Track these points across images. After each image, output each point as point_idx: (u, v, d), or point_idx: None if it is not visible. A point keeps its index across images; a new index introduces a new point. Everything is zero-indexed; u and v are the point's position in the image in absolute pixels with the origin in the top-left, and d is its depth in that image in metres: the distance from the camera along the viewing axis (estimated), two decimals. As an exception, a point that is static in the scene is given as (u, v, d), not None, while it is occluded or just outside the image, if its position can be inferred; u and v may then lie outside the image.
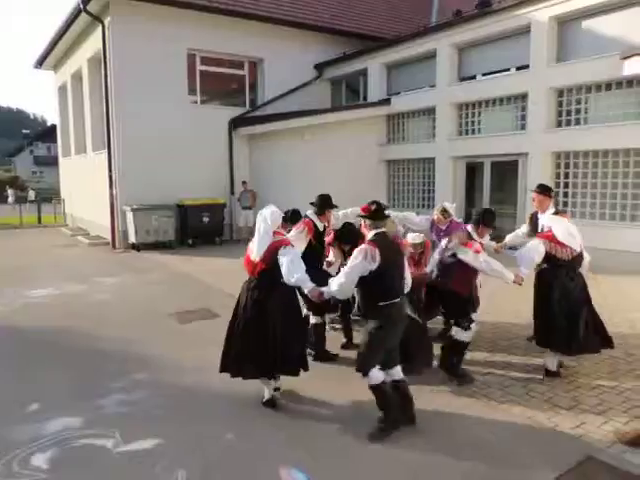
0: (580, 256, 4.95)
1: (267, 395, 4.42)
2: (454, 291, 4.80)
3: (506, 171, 11.95)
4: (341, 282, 3.92)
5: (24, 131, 61.08)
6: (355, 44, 15.65)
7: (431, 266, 5.23)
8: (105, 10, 12.62)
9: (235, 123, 14.34)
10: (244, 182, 14.10)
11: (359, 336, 4.65)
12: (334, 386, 4.72)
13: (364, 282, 3.89)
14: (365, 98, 15.54)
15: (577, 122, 10.50)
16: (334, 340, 5.77)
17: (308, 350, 5.50)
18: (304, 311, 5.45)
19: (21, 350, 5.93)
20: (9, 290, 8.72)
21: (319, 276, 4.50)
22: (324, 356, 5.39)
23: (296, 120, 13.81)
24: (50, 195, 26.59)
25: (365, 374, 3.89)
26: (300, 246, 5.13)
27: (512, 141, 11.47)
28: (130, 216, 12.65)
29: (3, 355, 5.79)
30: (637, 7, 9.37)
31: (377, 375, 3.91)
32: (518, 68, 11.50)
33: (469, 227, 4.96)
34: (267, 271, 4.21)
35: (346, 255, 5.26)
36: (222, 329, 4.54)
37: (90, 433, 3.96)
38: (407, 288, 4.14)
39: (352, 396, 4.45)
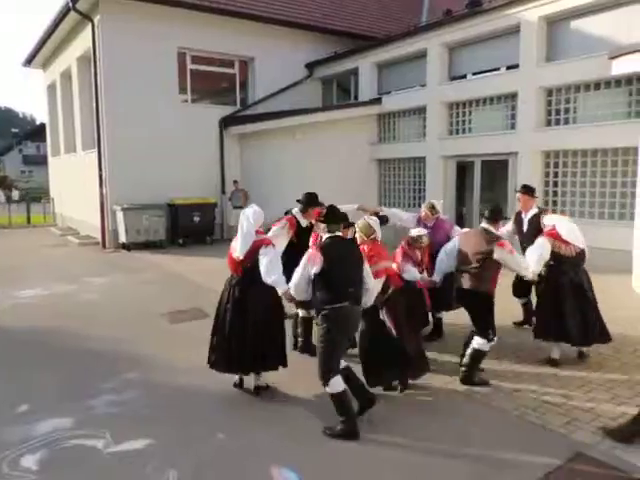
0: (583, 253, 5.08)
1: (253, 383, 4.60)
2: (488, 294, 4.76)
3: (496, 170, 12.00)
4: (294, 283, 4.05)
5: (13, 130, 60.61)
6: (346, 43, 15.65)
7: (438, 274, 5.14)
8: (94, 8, 12.54)
9: (226, 122, 14.29)
10: (235, 181, 14.06)
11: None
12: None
13: (313, 285, 3.97)
14: (356, 97, 15.54)
15: (566, 121, 10.57)
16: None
17: (299, 339, 5.58)
18: (293, 308, 5.50)
19: (10, 351, 5.88)
20: (-2, 290, 8.63)
21: None
22: (310, 349, 5.41)
23: (287, 119, 13.79)
24: (39, 194, 26.36)
25: (326, 383, 3.88)
26: (282, 243, 5.23)
27: (502, 140, 11.52)
28: (120, 215, 12.59)
29: (-8, 356, 5.73)
30: (625, 7, 9.46)
31: (338, 383, 3.89)
32: (508, 67, 11.55)
33: (484, 224, 4.81)
34: (249, 269, 4.30)
35: None
36: (213, 329, 4.53)
37: (80, 434, 3.94)
38: (369, 297, 4.13)
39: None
